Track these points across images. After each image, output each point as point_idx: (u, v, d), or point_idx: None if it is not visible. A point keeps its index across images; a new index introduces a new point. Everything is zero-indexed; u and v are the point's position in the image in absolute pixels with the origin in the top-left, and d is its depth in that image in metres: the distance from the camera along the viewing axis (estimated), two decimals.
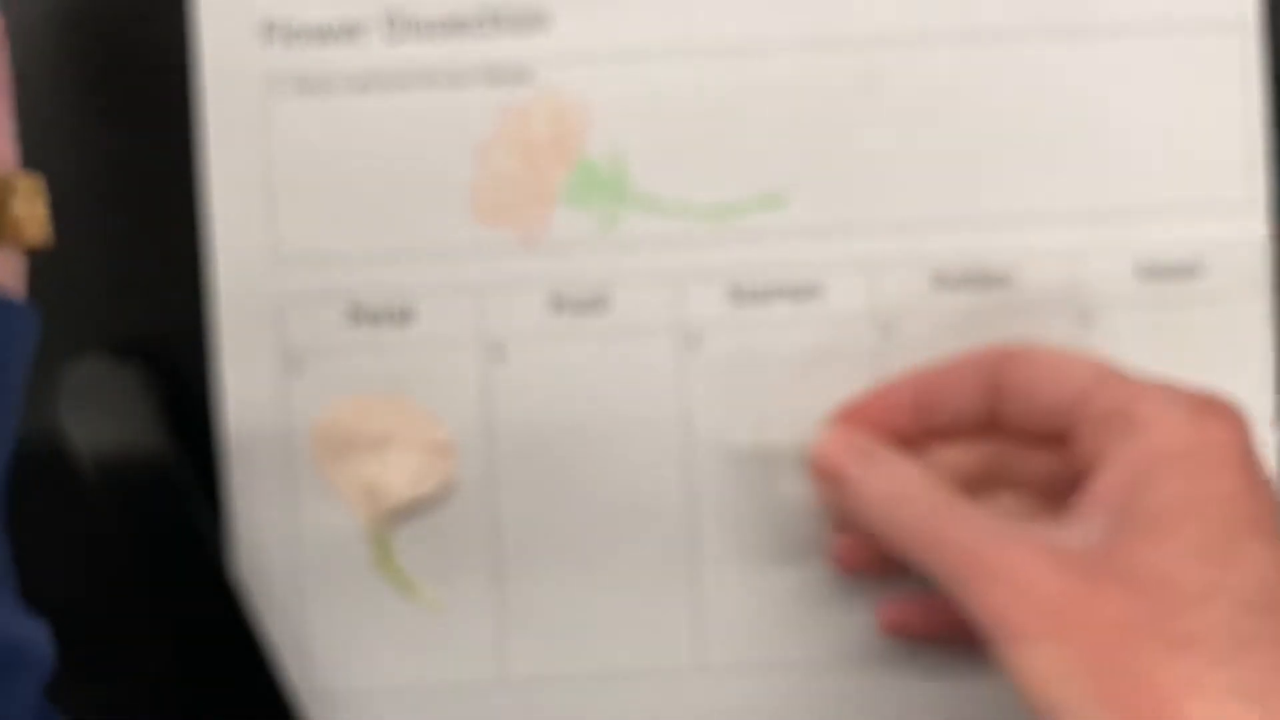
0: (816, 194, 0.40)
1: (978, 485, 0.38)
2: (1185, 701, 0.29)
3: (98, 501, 0.38)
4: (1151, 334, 0.40)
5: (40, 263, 0.34)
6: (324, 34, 0.39)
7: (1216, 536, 0.31)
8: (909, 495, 0.35)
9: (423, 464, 0.39)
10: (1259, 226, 0.40)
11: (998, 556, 0.32)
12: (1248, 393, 0.40)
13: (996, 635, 0.32)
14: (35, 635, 0.31)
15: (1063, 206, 0.40)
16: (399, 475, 0.39)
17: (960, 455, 0.38)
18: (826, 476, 0.37)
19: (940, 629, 0.38)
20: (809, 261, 0.40)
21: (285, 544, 0.39)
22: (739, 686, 0.40)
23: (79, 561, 0.40)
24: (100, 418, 0.39)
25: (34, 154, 0.36)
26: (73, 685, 0.39)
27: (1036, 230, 0.40)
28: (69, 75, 0.40)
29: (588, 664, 0.40)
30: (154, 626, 0.38)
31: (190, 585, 0.39)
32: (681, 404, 0.40)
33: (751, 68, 0.40)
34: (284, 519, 0.39)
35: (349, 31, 0.39)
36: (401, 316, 0.40)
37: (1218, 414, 0.33)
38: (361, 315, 0.40)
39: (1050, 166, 0.40)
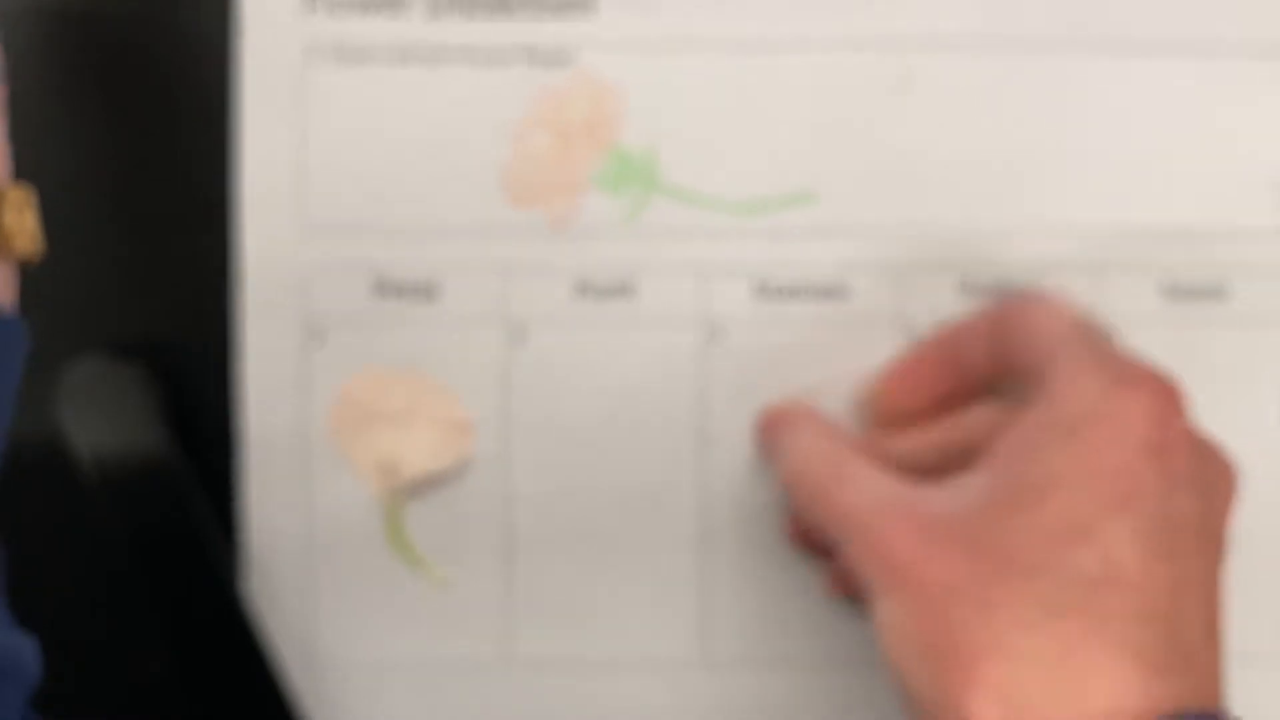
0: (846, 194, 0.40)
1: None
2: (985, 661, 0.30)
3: (98, 501, 0.38)
4: (1174, 354, 0.40)
5: (42, 262, 0.34)
6: (366, 5, 0.39)
7: (1080, 512, 0.31)
8: (811, 459, 0.36)
9: (439, 440, 0.39)
10: None
11: (868, 518, 0.33)
12: (1271, 416, 0.40)
13: (865, 593, 0.33)
14: (22, 648, 0.31)
15: (1091, 221, 0.40)
16: (415, 450, 0.39)
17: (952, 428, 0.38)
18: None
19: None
20: (835, 261, 0.40)
21: (298, 514, 0.39)
22: (745, 681, 0.40)
23: (79, 562, 0.40)
24: (100, 418, 0.38)
25: (45, 144, 0.36)
26: (71, 685, 0.39)
27: (1063, 243, 0.40)
28: (99, 57, 0.40)
29: (592, 649, 0.40)
30: (153, 626, 0.38)
31: (189, 586, 0.39)
32: (700, 396, 0.40)
33: (788, 65, 0.40)
34: (298, 490, 0.39)
35: (392, 4, 0.39)
36: (426, 292, 0.40)
37: (1136, 385, 0.33)
38: (386, 288, 0.39)
39: (1080, 180, 0.40)
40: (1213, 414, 0.40)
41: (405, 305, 0.40)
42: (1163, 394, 0.33)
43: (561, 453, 0.40)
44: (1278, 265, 0.40)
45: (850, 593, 0.39)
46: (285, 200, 0.39)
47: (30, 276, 0.33)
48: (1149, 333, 0.40)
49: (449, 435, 0.39)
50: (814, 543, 0.39)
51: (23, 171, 0.33)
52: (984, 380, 0.38)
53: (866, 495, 0.34)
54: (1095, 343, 0.35)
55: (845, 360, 0.40)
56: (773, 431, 0.39)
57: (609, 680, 0.40)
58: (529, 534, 0.40)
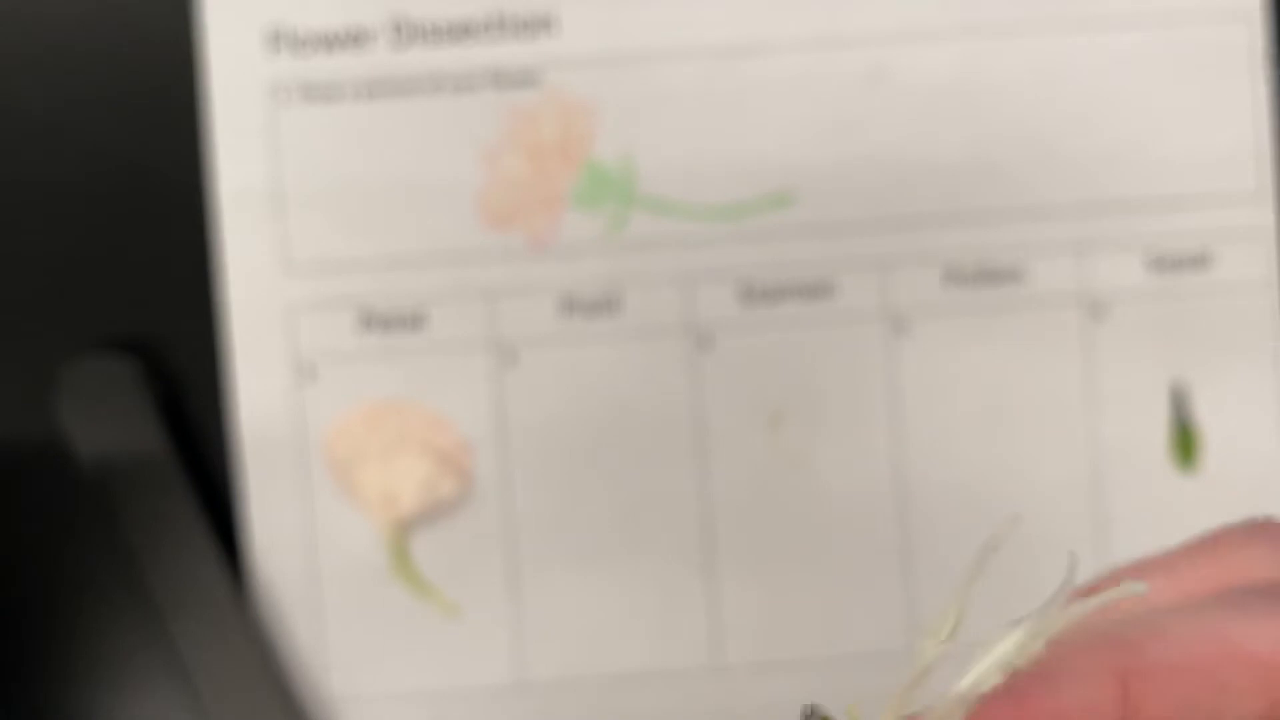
0: (826, 192, 0.40)
1: None
2: None
3: (96, 501, 0.38)
4: (1161, 326, 0.40)
5: (43, 262, 0.34)
6: (330, 41, 0.39)
7: None
8: None
9: (437, 470, 0.39)
10: (1268, 216, 0.40)
11: None
12: (1257, 383, 0.40)
13: None
14: None
15: (1071, 200, 0.40)
16: (413, 482, 0.39)
17: None
18: None
19: None
20: (819, 260, 0.40)
21: (301, 551, 0.39)
22: (758, 686, 0.40)
23: (76, 562, 0.40)
24: (100, 418, 0.39)
25: (40, 157, 0.36)
26: (66, 687, 0.39)
27: (1046, 224, 0.40)
28: (74, 81, 0.40)
29: (605, 666, 0.40)
30: (150, 627, 0.38)
31: (187, 586, 0.39)
32: (694, 405, 0.40)
33: (757, 67, 0.40)
34: (299, 526, 0.39)
35: (355, 39, 0.39)
36: (413, 322, 0.40)
37: None
38: (373, 322, 0.40)
39: (1058, 160, 0.40)
40: (1205, 382, 0.40)
41: (393, 337, 0.40)
42: None
43: (561, 471, 0.40)
44: (1259, 230, 0.40)
45: None
46: (266, 241, 0.39)
47: (28, 276, 0.33)
48: (1137, 307, 0.40)
49: (446, 464, 0.39)
50: None
51: (24, 172, 0.34)
52: None
53: None
54: None
55: (836, 359, 0.40)
56: None
57: (623, 695, 0.40)
58: (534, 555, 0.40)
